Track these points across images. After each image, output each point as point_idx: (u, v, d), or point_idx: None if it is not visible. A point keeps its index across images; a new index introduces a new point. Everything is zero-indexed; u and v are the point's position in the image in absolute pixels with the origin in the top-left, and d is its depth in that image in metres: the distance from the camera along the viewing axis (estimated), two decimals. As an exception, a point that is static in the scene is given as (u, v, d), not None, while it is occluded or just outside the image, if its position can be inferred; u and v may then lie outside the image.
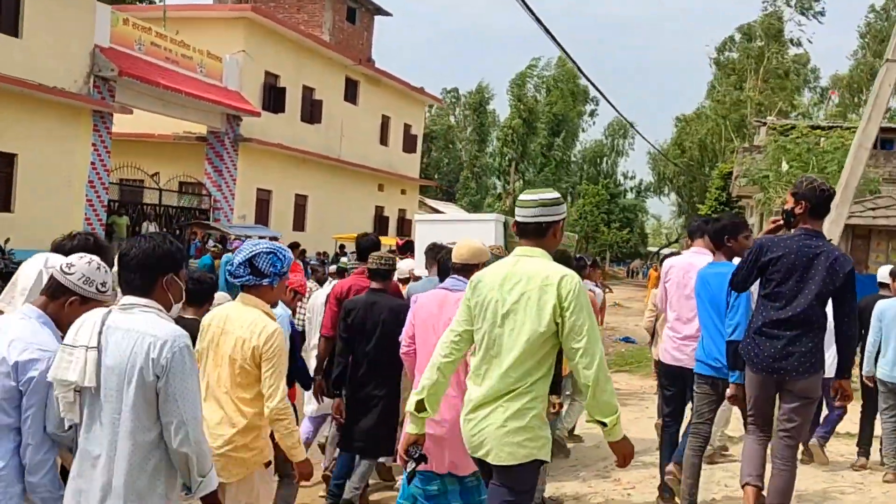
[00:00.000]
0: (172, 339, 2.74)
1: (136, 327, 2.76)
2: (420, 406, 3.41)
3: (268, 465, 3.91)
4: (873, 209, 16.65)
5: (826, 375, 4.72)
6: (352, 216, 30.99)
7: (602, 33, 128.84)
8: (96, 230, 19.11)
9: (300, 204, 28.70)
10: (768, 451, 4.63)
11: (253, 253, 3.77)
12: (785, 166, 22.38)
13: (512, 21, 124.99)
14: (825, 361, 4.58)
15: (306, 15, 29.76)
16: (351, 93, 31.29)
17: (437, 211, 42.77)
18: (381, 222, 34.22)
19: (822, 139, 24.34)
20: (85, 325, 2.80)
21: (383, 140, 34.14)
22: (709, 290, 5.08)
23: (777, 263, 4.44)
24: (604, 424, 3.20)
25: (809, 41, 62.07)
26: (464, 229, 9.54)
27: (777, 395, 4.55)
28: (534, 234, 3.32)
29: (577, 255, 8.65)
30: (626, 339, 17.62)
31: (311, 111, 28.51)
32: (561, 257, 7.17)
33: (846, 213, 7.31)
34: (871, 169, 27.91)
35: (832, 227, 7.47)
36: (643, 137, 49.73)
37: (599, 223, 62.80)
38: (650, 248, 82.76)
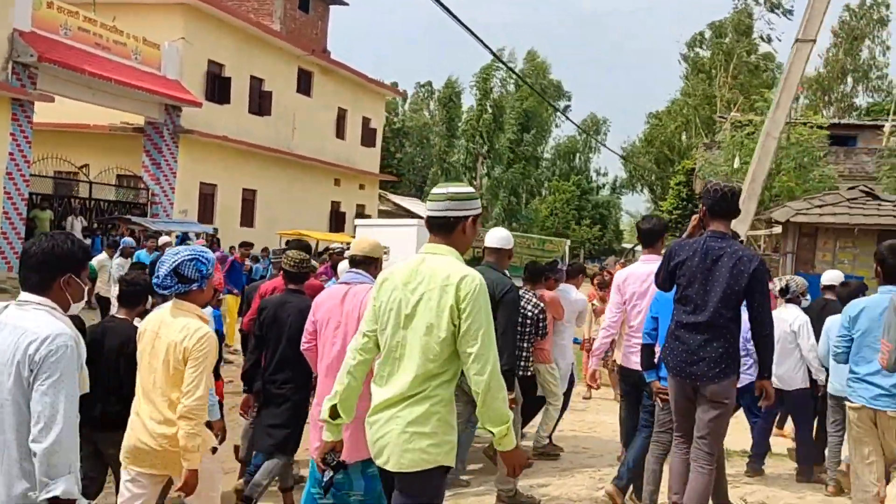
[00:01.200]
0: (53, 336, 2.72)
1: (22, 324, 2.77)
2: (334, 412, 3.34)
3: (214, 451, 4.09)
4: (820, 206, 16.01)
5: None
6: (306, 212, 30.15)
7: (580, 27, 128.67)
8: (15, 224, 18.19)
9: (248, 199, 27.80)
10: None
11: (176, 262, 3.88)
12: (737, 162, 21.86)
13: (485, 13, 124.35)
14: (739, 366, 4.58)
15: (256, 2, 28.83)
16: (304, 84, 30.41)
17: (399, 206, 42.04)
18: (337, 218, 33.39)
19: (790, 134, 23.78)
20: None
21: (340, 133, 33.31)
22: (666, 297, 4.99)
23: (683, 267, 4.51)
24: (492, 433, 3.11)
25: (779, 39, 62.34)
26: (393, 234, 9.46)
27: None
28: (442, 228, 3.21)
29: (570, 262, 8.42)
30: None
31: (260, 102, 27.63)
32: (533, 268, 7.13)
33: (753, 210, 6.64)
34: (830, 166, 27.57)
35: (738, 225, 6.76)
36: (601, 144, 49.07)
37: (570, 220, 62.38)
38: (625, 245, 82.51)
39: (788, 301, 6.91)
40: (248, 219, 27.61)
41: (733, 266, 4.37)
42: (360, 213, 35.61)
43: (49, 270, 2.87)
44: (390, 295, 3.21)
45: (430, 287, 3.10)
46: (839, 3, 46.20)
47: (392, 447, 3.12)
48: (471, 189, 3.32)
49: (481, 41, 13.77)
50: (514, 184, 49.63)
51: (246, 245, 15.46)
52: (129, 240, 15.42)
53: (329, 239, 28.79)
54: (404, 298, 3.16)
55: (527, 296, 6.70)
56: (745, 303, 4.47)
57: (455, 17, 11.13)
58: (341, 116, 33.21)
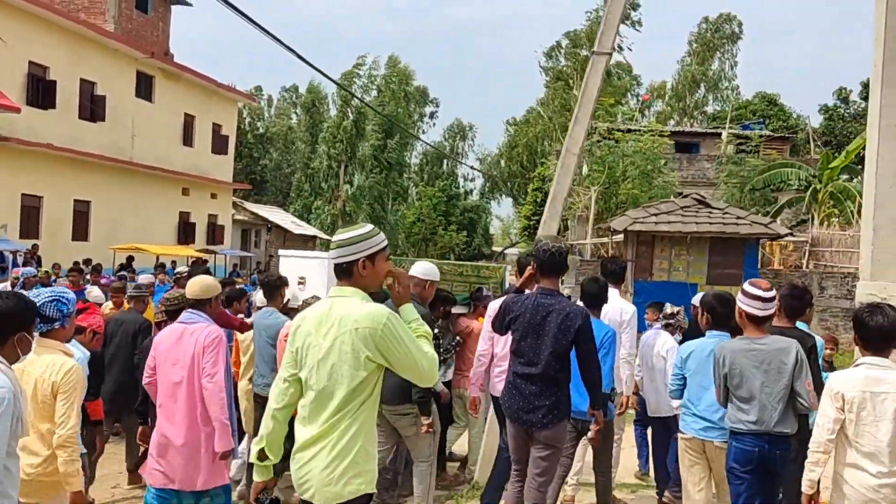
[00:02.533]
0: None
1: None
2: (262, 455, 3.49)
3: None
4: (656, 214, 16.24)
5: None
6: (150, 224, 28.42)
7: (452, 36, 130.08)
8: None
9: (81, 211, 25.82)
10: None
11: (38, 304, 4.00)
12: (585, 169, 22.13)
13: (356, 23, 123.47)
14: (569, 411, 5.01)
15: (87, 1, 26.87)
16: (144, 89, 28.66)
17: (257, 216, 40.58)
18: (186, 229, 31.70)
19: (633, 142, 24.30)
20: None
21: (187, 140, 31.64)
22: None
23: (516, 322, 4.85)
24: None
25: (629, 49, 64.83)
26: (308, 264, 9.64)
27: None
28: (342, 273, 3.38)
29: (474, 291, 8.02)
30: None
31: (92, 107, 25.72)
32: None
33: (556, 228, 6.24)
34: (674, 173, 28.52)
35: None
36: (458, 160, 49.28)
37: (437, 225, 62.36)
38: (494, 249, 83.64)
39: (666, 327, 7.07)
40: (81, 232, 25.65)
41: (561, 322, 4.71)
42: (213, 224, 34.01)
43: (4, 330, 3.21)
44: (305, 340, 3.35)
45: (341, 331, 3.23)
46: (697, 14, 48.03)
47: (316, 482, 3.25)
48: (361, 230, 3.36)
49: (295, 53, 13.03)
50: (378, 191, 49.04)
51: (87, 263, 14.06)
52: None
53: (172, 253, 27.28)
54: (318, 343, 3.29)
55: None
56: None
57: (259, 25, 10.33)
58: (188, 123, 31.56)
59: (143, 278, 10.72)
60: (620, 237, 19.23)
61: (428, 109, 69.63)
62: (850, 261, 19.84)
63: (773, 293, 4.53)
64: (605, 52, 6.38)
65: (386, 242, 3.41)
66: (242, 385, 6.83)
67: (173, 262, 28.09)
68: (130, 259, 23.66)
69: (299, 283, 15.41)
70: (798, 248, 20.96)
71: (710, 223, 16.08)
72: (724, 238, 16.06)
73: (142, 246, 24.32)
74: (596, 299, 5.79)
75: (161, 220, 29.69)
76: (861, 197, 22.73)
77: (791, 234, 16.96)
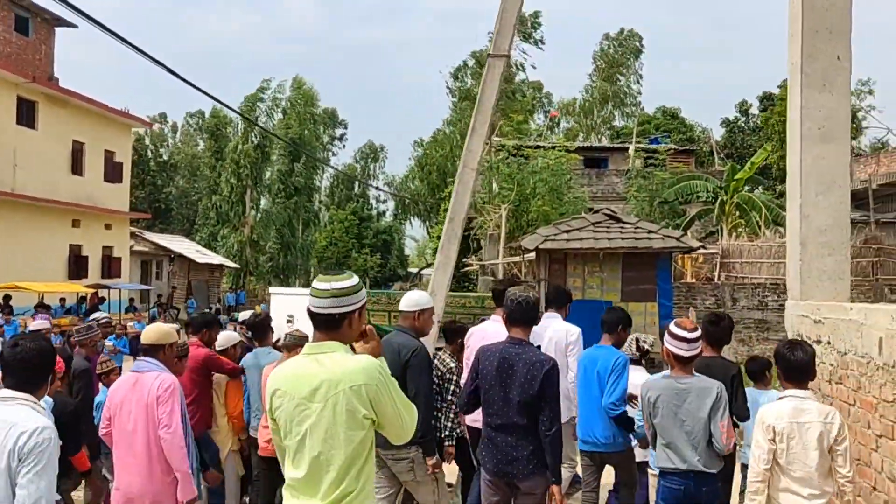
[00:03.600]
0: (39, 429, 3.07)
1: (10, 418, 3.09)
2: None
3: None
4: (567, 231, 15.79)
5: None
6: (36, 258, 26.42)
7: (361, 58, 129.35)
8: None
9: (-44, 248, 23.78)
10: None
11: None
12: (495, 187, 21.63)
13: (259, 46, 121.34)
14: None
15: (-43, 23, 24.96)
16: (27, 115, 26.76)
17: (158, 246, 38.64)
18: (78, 263, 29.72)
19: (541, 158, 23.94)
20: None
21: (77, 169, 29.74)
22: (595, 369, 5.84)
23: (484, 372, 4.78)
24: None
25: (533, 67, 65.80)
26: (299, 302, 8.26)
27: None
28: (327, 325, 3.08)
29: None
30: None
31: (-34, 136, 23.77)
32: (449, 328, 6.78)
33: (455, 251, 5.48)
34: (584, 188, 28.40)
35: (438, 275, 5.61)
36: (352, 177, 48.47)
37: (350, 249, 61.19)
38: (410, 270, 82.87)
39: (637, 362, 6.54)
40: (-44, 270, 23.59)
41: (527, 372, 4.59)
42: (108, 256, 32.08)
43: (40, 370, 3.31)
44: (287, 405, 3.05)
45: (332, 392, 2.97)
46: (598, 31, 48.68)
47: None
48: (354, 280, 3.14)
49: (180, 77, 12.05)
50: (287, 215, 47.64)
51: (43, 307, 12.47)
52: None
53: (59, 290, 25.42)
54: (305, 408, 3.01)
55: (441, 354, 6.58)
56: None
57: (139, 49, 9.33)
58: (77, 150, 29.69)
59: (38, 323, 9.78)
60: (533, 255, 18.81)
61: (338, 132, 68.71)
62: (759, 271, 19.89)
63: (697, 333, 4.63)
64: (501, 55, 5.71)
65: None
66: (224, 424, 6.58)
67: (62, 300, 26.25)
68: (7, 298, 21.84)
69: (288, 320, 14.15)
70: (708, 260, 20.94)
71: (623, 238, 15.74)
72: (636, 253, 15.73)
73: (22, 284, 22.46)
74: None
75: (49, 254, 27.71)
76: (766, 209, 23.10)
77: (703, 247, 16.76)
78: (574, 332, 6.40)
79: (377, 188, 57.70)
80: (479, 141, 5.88)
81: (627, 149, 31.79)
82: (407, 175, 56.30)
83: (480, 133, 5.89)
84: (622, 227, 16.11)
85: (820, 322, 4.88)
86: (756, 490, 4.13)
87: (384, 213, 77.26)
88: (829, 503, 4.11)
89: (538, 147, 26.86)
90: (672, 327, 4.62)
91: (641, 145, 32.82)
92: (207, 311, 35.08)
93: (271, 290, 11.26)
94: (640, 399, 4.80)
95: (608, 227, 16.15)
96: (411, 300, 5.62)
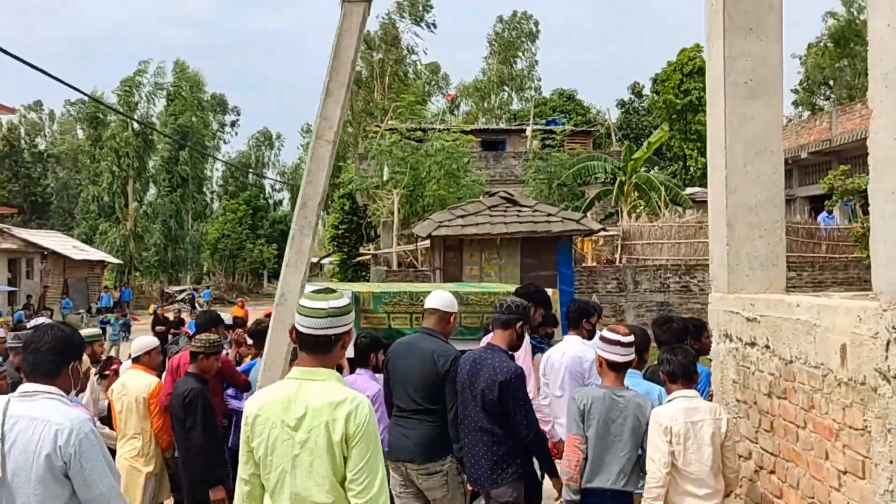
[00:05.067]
0: (78, 425, 2.86)
1: (40, 415, 2.85)
2: None
3: None
4: (462, 217, 14.78)
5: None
6: None
7: (254, 46, 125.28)
8: None
9: None
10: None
11: None
12: (386, 172, 20.45)
13: (148, 28, 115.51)
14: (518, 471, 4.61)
15: None
16: None
17: (28, 242, 35.63)
18: (-71, 265, 26.84)
19: (436, 141, 22.84)
20: None
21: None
22: None
23: (457, 376, 4.67)
24: None
25: (425, 52, 65.20)
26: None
27: None
28: (320, 347, 2.87)
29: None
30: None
31: None
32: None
33: (310, 244, 4.32)
34: (482, 171, 27.53)
35: (289, 275, 4.44)
36: (239, 167, 46.42)
37: (245, 240, 58.82)
38: (312, 260, 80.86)
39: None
40: None
41: (488, 377, 4.49)
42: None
43: (62, 359, 3.01)
44: (268, 435, 2.81)
45: (317, 423, 2.75)
46: (493, 13, 48.16)
47: None
48: (348, 299, 2.96)
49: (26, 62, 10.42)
50: (174, 207, 44.99)
51: None
52: None
53: None
54: (287, 438, 2.78)
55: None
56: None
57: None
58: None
59: None
60: (428, 243, 17.76)
61: (229, 118, 65.88)
62: (660, 252, 19.45)
63: (631, 338, 4.37)
64: (359, 0, 4.52)
65: None
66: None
67: None
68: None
69: None
70: (609, 243, 20.39)
71: (521, 222, 14.82)
72: (535, 237, 14.85)
73: None
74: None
75: None
76: (665, 189, 22.74)
77: (604, 230, 16.08)
78: (587, 359, 5.44)
79: (262, 176, 55.26)
80: (335, 107, 4.70)
81: (525, 130, 31.10)
82: (299, 163, 54.25)
83: (337, 97, 4.70)
84: (520, 211, 15.22)
85: (755, 320, 3.94)
86: (656, 496, 4.03)
87: (281, 202, 74.90)
88: (721, 501, 4.08)
89: (427, 130, 25.74)
90: (606, 333, 4.42)
91: (539, 127, 32.21)
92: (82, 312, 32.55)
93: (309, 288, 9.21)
94: (578, 412, 4.32)
95: (505, 211, 15.22)
96: (448, 299, 4.98)
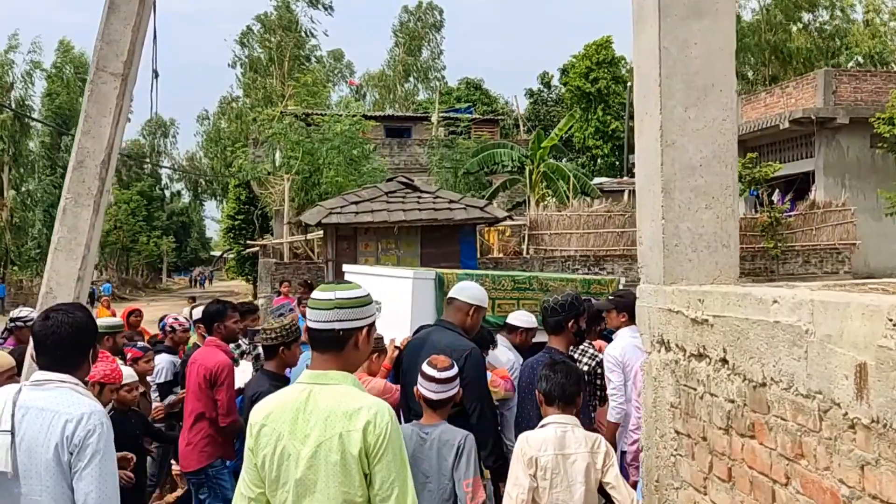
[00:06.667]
0: (88, 415, 2.69)
1: (50, 405, 2.71)
2: None
3: None
4: (356, 203, 13.46)
5: None
6: None
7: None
8: None
9: None
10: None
11: None
12: (279, 157, 18.89)
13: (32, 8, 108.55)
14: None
15: None
16: None
17: None
18: None
19: (334, 126, 21.36)
20: None
21: None
22: None
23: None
24: None
25: (326, 34, 63.53)
26: (386, 285, 6.69)
27: None
28: (329, 344, 2.54)
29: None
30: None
31: None
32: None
33: (90, 218, 2.98)
34: (386, 158, 26.22)
35: (59, 261, 2.94)
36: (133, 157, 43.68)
37: (139, 233, 55.72)
38: (213, 253, 77.97)
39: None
40: None
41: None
42: None
43: (79, 346, 2.85)
44: (275, 448, 2.46)
45: (328, 435, 2.39)
46: (396, 2, 47.40)
47: None
48: (364, 292, 2.61)
49: None
50: (55, 195, 41.70)
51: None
52: None
53: None
54: (293, 452, 2.43)
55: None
56: None
57: None
58: None
59: None
60: (321, 233, 16.33)
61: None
62: (568, 243, 18.60)
63: (450, 373, 3.82)
64: None
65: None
66: None
67: None
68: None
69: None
70: (516, 233, 19.43)
71: (420, 210, 13.57)
72: (436, 226, 13.63)
73: None
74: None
75: None
76: (574, 177, 21.94)
77: (510, 217, 15.02)
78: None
79: (156, 165, 52.40)
80: (123, 27, 3.31)
81: (430, 117, 29.92)
82: (200, 151, 51.74)
83: (126, 13, 3.31)
84: (420, 197, 13.98)
85: (705, 323, 2.79)
86: None
87: (179, 192, 71.61)
88: None
89: (333, 115, 24.27)
90: (424, 366, 3.86)
91: (445, 114, 31.09)
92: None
93: (346, 267, 8.14)
94: None
95: (404, 198, 13.95)
96: (471, 291, 4.55)
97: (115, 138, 3.46)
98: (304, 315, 8.83)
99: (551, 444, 3.58)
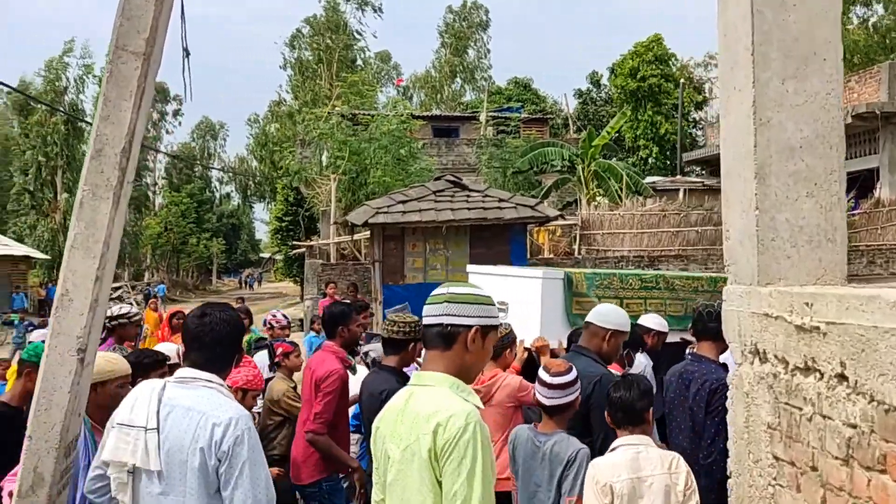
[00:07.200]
0: (236, 420, 2.61)
1: (197, 406, 2.63)
2: None
3: None
4: (404, 202, 13.14)
5: None
6: None
7: (195, 33, 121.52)
8: None
9: None
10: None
11: None
12: (325, 157, 18.71)
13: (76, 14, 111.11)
14: None
15: None
16: None
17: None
18: None
19: (382, 126, 21.12)
20: (139, 403, 2.66)
21: None
22: None
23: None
24: None
25: (375, 36, 63.60)
26: (512, 285, 6.64)
27: None
28: (436, 340, 2.44)
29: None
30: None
31: None
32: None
33: (109, 212, 2.66)
34: (434, 158, 25.90)
35: (75, 260, 2.58)
36: (179, 157, 44.08)
37: (189, 234, 56.40)
38: (262, 255, 78.83)
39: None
40: None
41: (696, 392, 4.23)
42: None
43: (231, 347, 2.80)
44: (381, 450, 2.45)
45: (412, 438, 2.31)
46: (441, 2, 47.32)
47: None
48: (479, 291, 2.50)
49: None
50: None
51: None
52: None
53: None
54: (391, 455, 2.38)
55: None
56: None
57: None
58: None
59: None
60: (368, 234, 16.05)
61: (170, 108, 63.16)
62: (622, 243, 18.03)
63: (563, 378, 3.65)
64: None
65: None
66: None
67: None
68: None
69: (499, 308, 10.70)
70: (567, 233, 18.92)
71: (469, 209, 13.18)
72: (486, 225, 13.24)
73: None
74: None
75: None
76: (627, 176, 21.33)
77: (561, 216, 14.55)
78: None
79: (206, 167, 52.97)
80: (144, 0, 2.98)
81: (478, 117, 29.52)
82: (252, 154, 52.25)
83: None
84: (468, 196, 13.60)
85: (816, 331, 2.34)
86: None
87: (229, 195, 72.49)
88: None
89: (378, 114, 24.04)
90: (539, 371, 3.81)
91: (493, 113, 30.67)
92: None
93: (469, 268, 8.18)
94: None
95: (452, 197, 13.59)
96: (609, 316, 4.37)
97: (137, 124, 3.15)
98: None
99: (624, 468, 3.32)
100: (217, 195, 66.67)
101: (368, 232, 15.22)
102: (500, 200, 13.44)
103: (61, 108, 36.41)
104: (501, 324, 5.18)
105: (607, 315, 4.37)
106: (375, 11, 41.28)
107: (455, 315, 2.43)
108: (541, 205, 13.59)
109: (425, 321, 2.49)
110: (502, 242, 13.38)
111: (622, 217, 18.15)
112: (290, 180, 23.09)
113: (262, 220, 78.14)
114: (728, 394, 3.00)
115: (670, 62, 37.11)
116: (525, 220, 13.42)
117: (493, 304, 2.53)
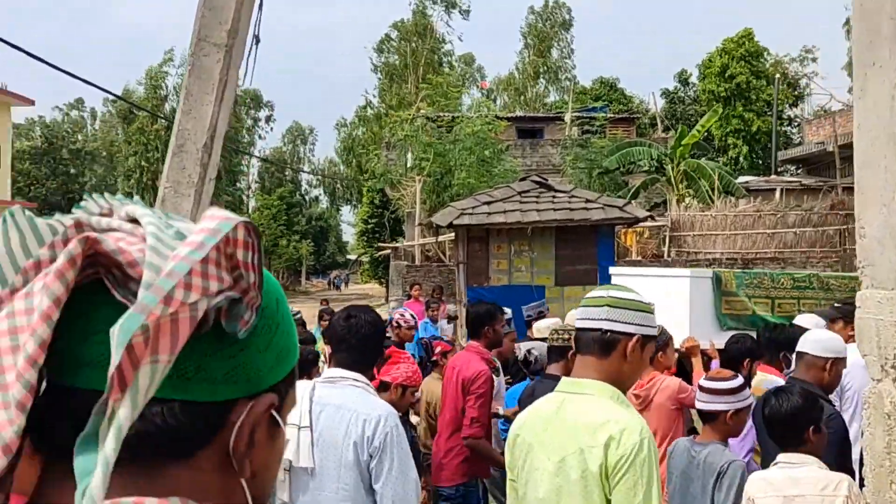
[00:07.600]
0: (385, 416, 2.71)
1: (347, 404, 2.73)
2: None
3: None
4: (489, 203, 12.95)
5: None
6: None
7: (288, 41, 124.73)
8: None
9: None
10: None
11: None
12: (410, 159, 18.75)
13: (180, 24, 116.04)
14: None
15: None
16: None
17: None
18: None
19: (466, 127, 21.06)
20: None
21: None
22: None
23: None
24: None
25: (460, 39, 64.02)
26: (659, 286, 6.49)
27: None
28: (593, 347, 2.29)
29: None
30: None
31: None
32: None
33: (194, 220, 2.38)
34: (518, 159, 25.64)
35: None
36: (270, 162, 45.03)
37: (279, 236, 57.75)
38: (349, 257, 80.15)
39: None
40: None
41: None
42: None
43: (376, 348, 2.93)
44: (525, 461, 2.34)
45: (571, 450, 2.19)
46: (524, 3, 47.16)
47: None
48: (640, 297, 2.35)
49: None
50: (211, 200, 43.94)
51: None
52: None
53: None
54: (540, 466, 2.27)
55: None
56: None
57: None
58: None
59: None
60: (452, 235, 15.97)
61: (262, 114, 64.95)
62: (713, 245, 17.40)
63: (721, 385, 3.50)
64: None
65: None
66: None
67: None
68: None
69: None
70: (655, 235, 18.38)
71: (555, 210, 12.89)
72: (572, 227, 12.93)
73: None
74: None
75: None
76: (718, 176, 20.59)
77: (651, 217, 14.10)
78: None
79: (295, 170, 54.04)
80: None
81: (563, 117, 29.11)
82: (339, 158, 53.20)
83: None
84: (554, 197, 13.31)
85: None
86: None
87: (317, 198, 73.92)
88: None
89: (455, 118, 23.94)
90: (702, 380, 3.77)
91: (578, 113, 30.19)
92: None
93: (613, 270, 8.49)
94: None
95: (538, 198, 13.32)
96: (824, 343, 4.02)
97: (219, 119, 3.09)
98: (432, 320, 8.49)
99: (772, 486, 3.17)
100: (307, 198, 68.07)
101: (453, 233, 15.13)
102: (587, 201, 13.10)
103: (161, 115, 37.87)
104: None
105: (825, 343, 4.05)
106: (462, 14, 41.34)
107: (616, 321, 2.30)
108: (630, 205, 13.19)
109: (580, 324, 2.36)
110: (589, 244, 13.03)
111: (714, 218, 17.52)
112: (375, 183, 23.29)
113: (349, 222, 79.49)
114: (864, 415, 2.70)
115: (762, 58, 35.76)
116: (613, 222, 13.04)
117: (654, 313, 2.39)
